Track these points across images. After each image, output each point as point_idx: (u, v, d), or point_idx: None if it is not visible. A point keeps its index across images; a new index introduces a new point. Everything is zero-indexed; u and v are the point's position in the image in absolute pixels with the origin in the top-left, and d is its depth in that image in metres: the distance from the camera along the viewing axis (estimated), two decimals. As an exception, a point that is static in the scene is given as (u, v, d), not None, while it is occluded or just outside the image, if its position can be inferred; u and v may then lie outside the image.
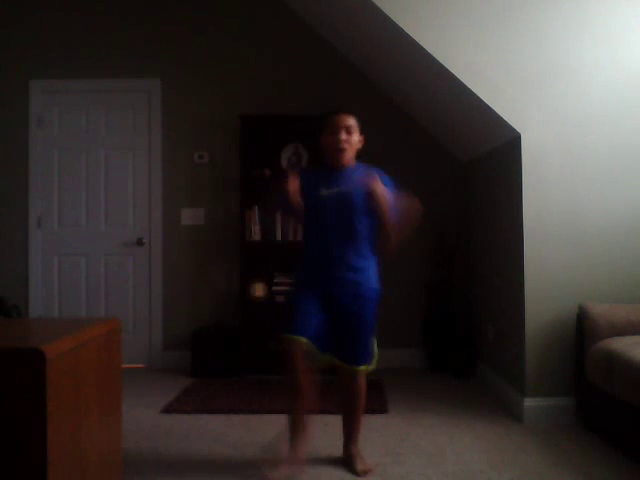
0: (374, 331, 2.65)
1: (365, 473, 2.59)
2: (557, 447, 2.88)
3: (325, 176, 2.65)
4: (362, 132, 2.71)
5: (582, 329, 3.12)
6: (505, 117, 3.28)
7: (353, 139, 2.66)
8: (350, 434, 2.73)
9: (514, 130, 3.30)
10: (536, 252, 3.27)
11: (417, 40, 3.28)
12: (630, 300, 3.23)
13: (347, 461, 2.68)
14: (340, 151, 2.63)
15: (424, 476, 2.56)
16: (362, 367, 2.61)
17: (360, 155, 2.82)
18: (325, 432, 3.13)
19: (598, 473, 2.57)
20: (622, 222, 3.29)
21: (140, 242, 4.78)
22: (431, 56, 3.29)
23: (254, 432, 3.15)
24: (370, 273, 2.61)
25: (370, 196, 2.53)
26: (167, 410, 3.53)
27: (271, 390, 3.92)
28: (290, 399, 2.58)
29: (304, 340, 2.46)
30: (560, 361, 3.27)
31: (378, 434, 3.10)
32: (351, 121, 2.66)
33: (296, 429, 2.59)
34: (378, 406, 3.55)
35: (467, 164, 4.66)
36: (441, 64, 3.28)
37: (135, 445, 2.94)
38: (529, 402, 3.25)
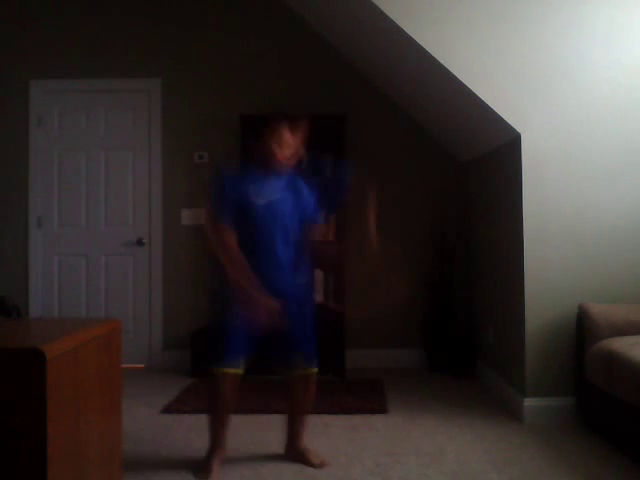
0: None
1: (323, 465, 2.67)
2: (557, 447, 2.88)
3: (261, 184, 2.58)
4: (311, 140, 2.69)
5: (582, 329, 3.12)
6: (505, 117, 3.28)
7: (297, 151, 2.61)
8: (299, 432, 2.80)
9: (514, 130, 3.30)
10: (536, 252, 3.27)
11: (417, 40, 3.28)
12: (630, 300, 3.23)
13: (300, 458, 2.74)
14: (284, 165, 2.60)
15: (424, 476, 2.56)
16: (314, 369, 2.74)
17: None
18: (324, 432, 3.13)
19: (598, 473, 2.57)
20: (622, 222, 3.29)
21: (140, 242, 4.78)
22: (431, 56, 3.29)
23: (254, 432, 3.15)
24: (307, 276, 2.71)
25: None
26: (167, 410, 3.53)
27: (271, 390, 3.92)
28: (216, 416, 2.67)
29: (239, 371, 2.59)
30: (560, 361, 3.27)
31: (378, 434, 3.10)
32: (299, 133, 2.60)
33: (220, 439, 2.67)
34: (378, 406, 3.56)
35: (467, 164, 4.66)
36: (441, 64, 3.28)
37: (135, 445, 2.94)
38: (529, 402, 3.25)
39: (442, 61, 3.27)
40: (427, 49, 3.28)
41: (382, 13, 3.28)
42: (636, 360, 2.58)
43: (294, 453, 2.77)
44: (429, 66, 3.44)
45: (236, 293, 2.44)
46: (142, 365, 4.73)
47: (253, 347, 2.58)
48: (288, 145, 2.55)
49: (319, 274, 4.51)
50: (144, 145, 4.82)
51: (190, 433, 3.14)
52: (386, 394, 3.85)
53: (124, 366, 2.33)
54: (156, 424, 3.29)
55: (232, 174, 2.64)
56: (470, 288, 4.58)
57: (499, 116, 3.29)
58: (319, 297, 2.70)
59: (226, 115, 4.73)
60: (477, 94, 3.28)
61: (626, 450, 2.74)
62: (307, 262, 2.70)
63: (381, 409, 3.51)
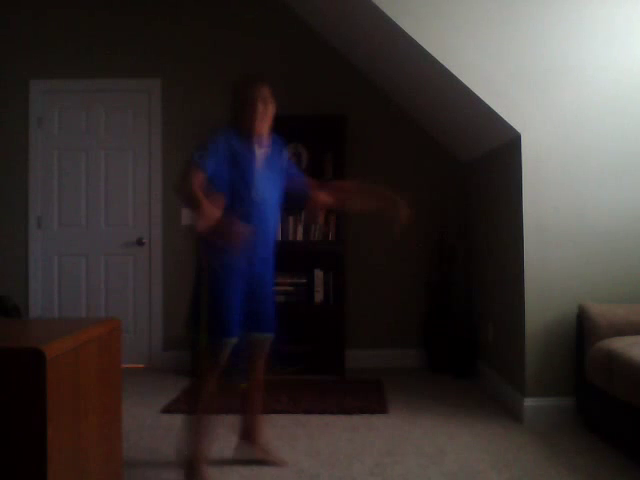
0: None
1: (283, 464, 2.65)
2: (557, 447, 2.88)
3: (248, 150, 2.56)
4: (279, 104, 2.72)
5: (582, 329, 3.12)
6: (505, 117, 3.28)
7: (270, 111, 2.63)
8: (259, 421, 2.74)
9: (514, 130, 3.29)
10: (536, 252, 3.27)
11: (417, 40, 3.28)
12: (630, 300, 3.23)
13: (260, 454, 2.70)
14: (260, 125, 2.59)
15: (424, 476, 2.56)
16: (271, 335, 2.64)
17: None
18: (324, 432, 3.13)
19: (598, 473, 2.56)
20: (622, 222, 3.29)
21: (140, 242, 4.78)
22: (431, 56, 3.29)
23: (254, 432, 3.14)
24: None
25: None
26: (167, 410, 3.53)
27: (271, 390, 3.92)
28: (204, 403, 2.53)
29: (233, 341, 2.48)
30: (560, 361, 3.27)
31: (378, 434, 3.10)
32: (268, 92, 2.61)
33: (206, 431, 2.55)
34: (378, 406, 3.56)
35: (467, 164, 4.66)
36: (441, 64, 3.28)
37: (135, 445, 2.94)
38: (529, 402, 3.25)
39: (442, 61, 3.28)
40: (427, 49, 3.28)
41: (382, 13, 3.28)
42: (636, 360, 2.58)
43: (251, 447, 2.71)
44: (429, 66, 3.44)
45: (211, 228, 2.26)
46: (142, 365, 4.73)
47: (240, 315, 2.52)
48: (265, 109, 2.58)
49: (319, 273, 4.52)
50: (144, 145, 4.82)
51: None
52: (386, 394, 3.85)
53: (124, 366, 2.34)
54: (156, 424, 3.29)
55: (228, 135, 2.58)
56: (470, 288, 4.58)
57: (499, 116, 3.29)
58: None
59: (226, 115, 4.72)
60: (477, 94, 3.28)
61: (626, 450, 2.74)
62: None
63: (381, 409, 3.51)
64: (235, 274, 2.49)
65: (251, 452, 2.72)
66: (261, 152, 2.61)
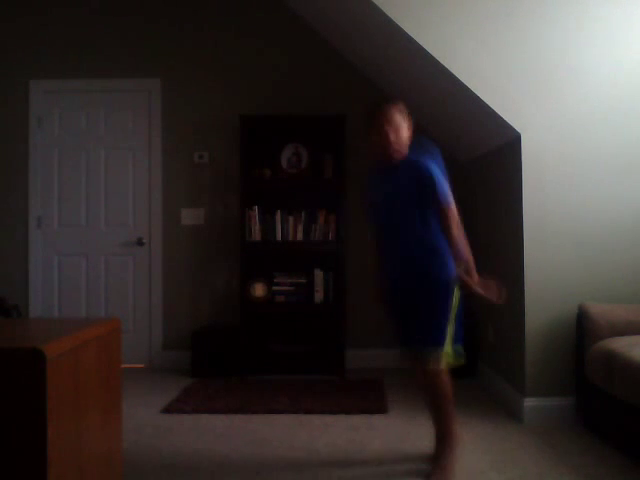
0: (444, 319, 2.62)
1: None
2: (557, 447, 2.88)
3: (383, 176, 2.64)
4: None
5: (582, 329, 3.12)
6: (505, 117, 3.28)
7: (401, 132, 2.53)
8: (436, 435, 2.67)
9: (514, 130, 3.29)
10: (536, 252, 3.27)
11: (417, 40, 3.28)
12: (629, 300, 3.23)
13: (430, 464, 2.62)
14: (388, 148, 2.54)
15: (424, 476, 2.56)
16: (431, 364, 2.60)
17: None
18: (324, 432, 3.13)
19: (598, 473, 2.57)
20: (622, 222, 3.29)
21: (140, 242, 4.78)
22: (431, 56, 3.29)
23: (254, 432, 3.15)
24: (436, 260, 2.64)
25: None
26: (167, 410, 3.53)
27: (271, 390, 3.92)
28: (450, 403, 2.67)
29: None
30: (560, 361, 3.27)
31: (378, 434, 3.10)
32: (394, 113, 2.53)
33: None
34: (378, 406, 3.55)
35: (467, 164, 4.66)
36: (441, 64, 3.28)
37: (135, 445, 2.94)
38: (529, 402, 3.25)
39: (442, 61, 3.27)
40: (427, 49, 3.28)
41: (382, 13, 3.28)
42: (636, 360, 2.58)
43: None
44: (429, 66, 3.44)
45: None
46: (142, 365, 4.73)
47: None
48: (390, 130, 2.50)
49: (319, 273, 4.51)
50: (144, 145, 4.82)
51: (190, 433, 3.14)
52: (386, 394, 3.85)
53: (124, 366, 2.34)
54: (156, 424, 3.29)
55: (368, 178, 2.75)
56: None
57: (499, 116, 3.29)
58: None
59: (226, 115, 4.73)
60: (477, 94, 3.28)
61: (626, 450, 2.74)
62: (438, 246, 2.67)
63: (381, 409, 3.51)
64: (389, 292, 2.73)
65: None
66: (391, 175, 2.61)
